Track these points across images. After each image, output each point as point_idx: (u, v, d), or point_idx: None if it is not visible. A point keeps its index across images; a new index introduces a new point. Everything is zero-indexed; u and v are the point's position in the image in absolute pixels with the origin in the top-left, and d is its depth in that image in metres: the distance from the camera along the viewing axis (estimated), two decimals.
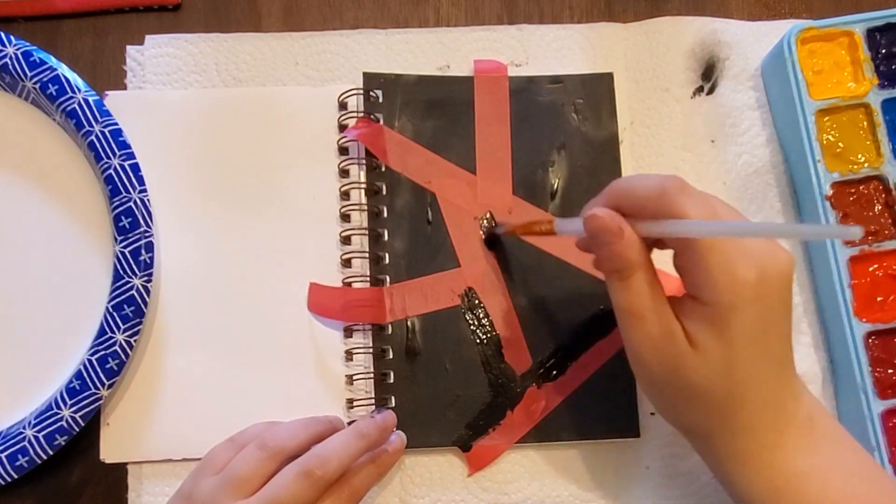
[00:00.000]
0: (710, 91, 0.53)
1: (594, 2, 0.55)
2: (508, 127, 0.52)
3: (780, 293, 0.38)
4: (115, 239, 0.48)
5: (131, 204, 0.47)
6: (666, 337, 0.38)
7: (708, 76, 0.53)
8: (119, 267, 0.47)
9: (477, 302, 0.50)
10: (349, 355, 0.50)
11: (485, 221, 0.51)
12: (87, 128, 0.48)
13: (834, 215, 0.49)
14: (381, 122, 0.52)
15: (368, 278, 0.50)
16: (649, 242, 0.39)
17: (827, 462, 0.39)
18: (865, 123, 0.50)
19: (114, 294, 0.47)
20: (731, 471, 0.40)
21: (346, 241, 0.51)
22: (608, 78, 0.53)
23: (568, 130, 0.52)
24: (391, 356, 0.50)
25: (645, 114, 0.53)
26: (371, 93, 0.52)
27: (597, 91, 0.53)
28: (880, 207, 0.50)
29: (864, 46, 0.50)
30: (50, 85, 0.48)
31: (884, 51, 0.50)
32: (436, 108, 0.52)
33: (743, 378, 0.38)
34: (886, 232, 0.49)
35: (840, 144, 0.50)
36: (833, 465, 0.39)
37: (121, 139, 0.48)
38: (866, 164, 0.50)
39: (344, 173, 0.51)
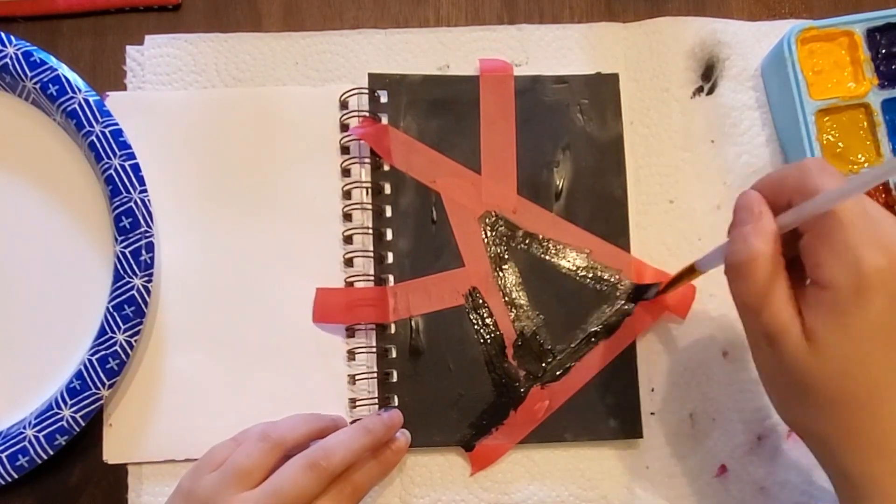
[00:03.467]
0: (710, 91, 0.53)
1: (594, 2, 0.55)
2: (513, 126, 0.52)
3: None
4: (116, 239, 0.47)
5: (132, 204, 0.47)
6: (778, 331, 0.36)
7: (708, 76, 0.53)
8: (119, 267, 0.47)
9: (481, 302, 0.50)
10: (351, 355, 0.49)
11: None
12: (88, 128, 0.48)
13: None
14: (386, 121, 0.52)
15: (371, 278, 0.50)
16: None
17: None
18: (865, 123, 0.50)
19: (114, 294, 0.47)
20: (867, 496, 0.36)
21: (348, 240, 0.51)
22: (613, 78, 0.53)
23: (573, 130, 0.52)
24: (394, 355, 0.49)
25: (645, 114, 0.53)
26: (374, 93, 0.52)
27: (602, 91, 0.53)
28: None
29: (864, 46, 0.50)
30: (50, 85, 0.48)
31: (884, 51, 0.51)
32: (441, 108, 0.52)
33: (869, 380, 0.35)
34: None
35: (840, 144, 0.50)
36: None
37: (121, 139, 0.48)
38: (866, 165, 0.50)
39: (346, 173, 0.51)
